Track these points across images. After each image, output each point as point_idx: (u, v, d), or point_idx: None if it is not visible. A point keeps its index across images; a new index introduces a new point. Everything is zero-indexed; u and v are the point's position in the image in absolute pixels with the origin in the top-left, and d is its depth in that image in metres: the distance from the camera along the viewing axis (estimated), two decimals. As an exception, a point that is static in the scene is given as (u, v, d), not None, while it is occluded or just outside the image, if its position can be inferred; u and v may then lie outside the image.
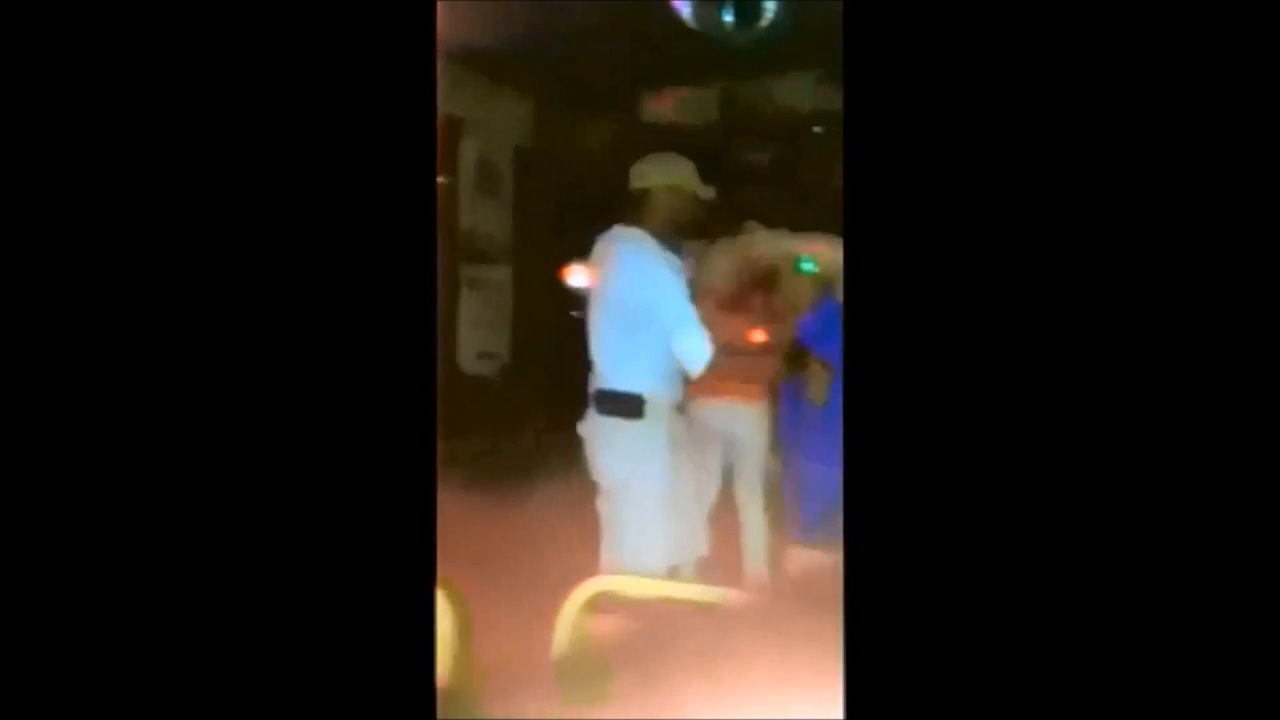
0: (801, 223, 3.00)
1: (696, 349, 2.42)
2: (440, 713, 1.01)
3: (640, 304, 2.45)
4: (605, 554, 2.46)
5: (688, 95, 5.26)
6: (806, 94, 5.28)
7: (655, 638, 1.52)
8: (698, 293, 2.56)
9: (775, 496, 3.06)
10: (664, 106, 5.26)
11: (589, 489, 2.55)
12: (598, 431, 2.50)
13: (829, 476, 2.49)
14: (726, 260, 3.28)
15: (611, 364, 2.49)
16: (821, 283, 2.72)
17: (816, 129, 5.40)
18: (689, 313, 2.44)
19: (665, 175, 2.59)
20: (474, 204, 5.04)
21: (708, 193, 2.60)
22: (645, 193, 2.59)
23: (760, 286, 3.48)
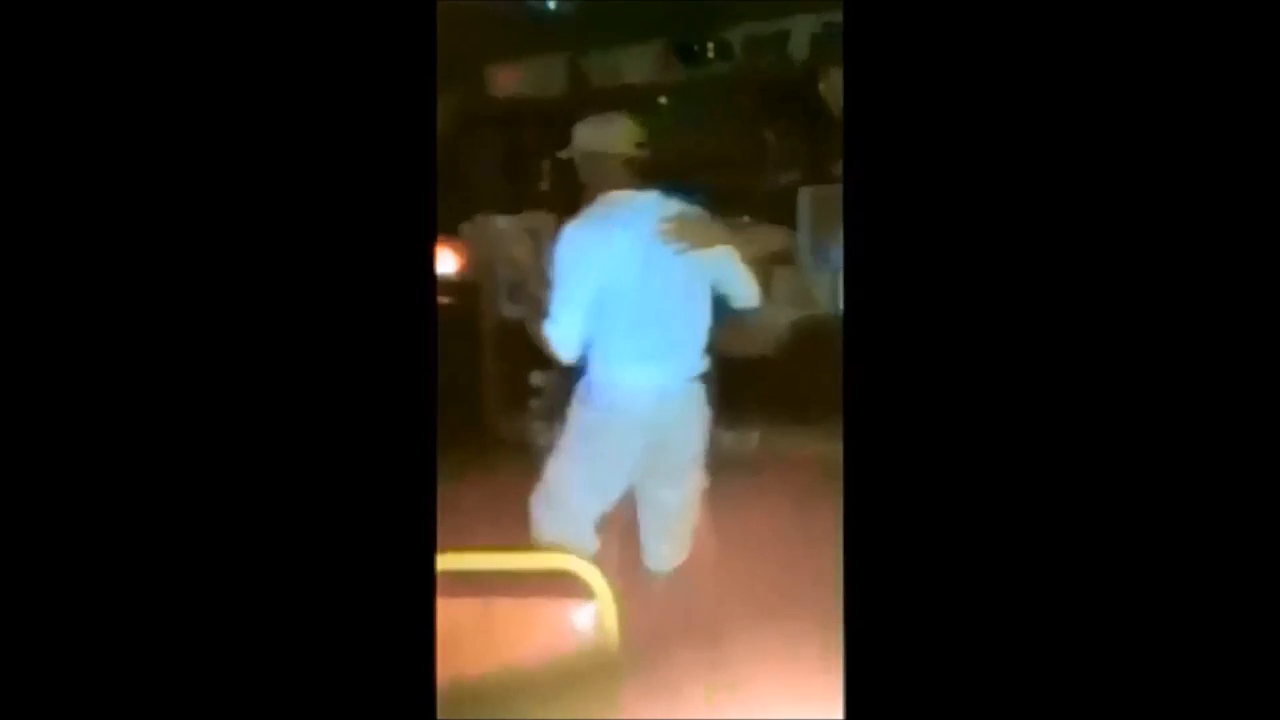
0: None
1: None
2: (440, 713, 1.00)
3: None
4: None
5: (533, 69, 5.16)
6: (648, 65, 5.28)
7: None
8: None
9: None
10: (511, 80, 5.14)
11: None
12: None
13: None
14: None
15: None
16: None
17: (662, 100, 5.41)
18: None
19: (586, 142, 2.37)
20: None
21: (641, 151, 2.36)
22: (570, 162, 2.40)
23: None
